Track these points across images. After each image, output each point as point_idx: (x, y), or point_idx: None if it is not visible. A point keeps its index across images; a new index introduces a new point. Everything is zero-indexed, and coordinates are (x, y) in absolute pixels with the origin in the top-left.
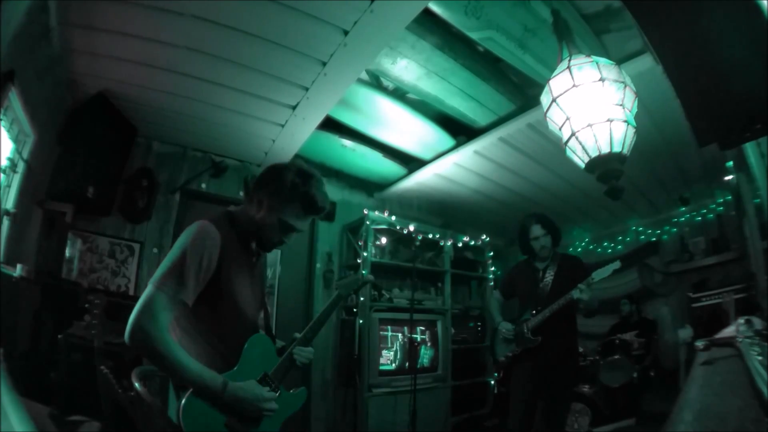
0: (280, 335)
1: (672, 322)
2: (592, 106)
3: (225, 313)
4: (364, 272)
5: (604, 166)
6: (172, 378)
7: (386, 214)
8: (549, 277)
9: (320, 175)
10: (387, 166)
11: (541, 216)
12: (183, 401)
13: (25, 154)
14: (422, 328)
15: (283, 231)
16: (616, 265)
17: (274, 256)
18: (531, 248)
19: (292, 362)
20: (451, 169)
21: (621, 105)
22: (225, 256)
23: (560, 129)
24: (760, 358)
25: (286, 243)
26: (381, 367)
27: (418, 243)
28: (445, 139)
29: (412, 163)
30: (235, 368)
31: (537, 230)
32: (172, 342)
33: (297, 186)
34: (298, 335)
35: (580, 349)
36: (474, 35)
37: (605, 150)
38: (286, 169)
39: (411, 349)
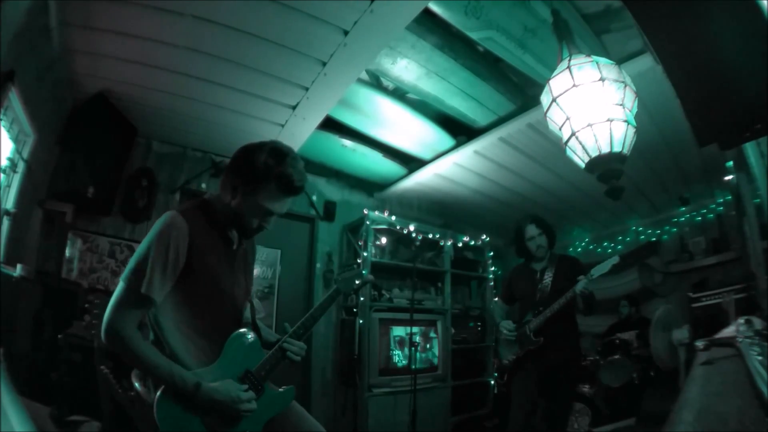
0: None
1: (655, 323)
2: (592, 106)
3: (202, 305)
4: (364, 272)
5: (604, 166)
6: (153, 379)
7: (386, 214)
8: (548, 278)
9: (295, 152)
10: (387, 166)
11: (536, 216)
12: (155, 398)
13: (25, 154)
14: (422, 327)
15: (261, 216)
16: (615, 260)
17: (274, 256)
18: (527, 249)
19: (281, 357)
20: (451, 169)
21: (621, 105)
22: (195, 246)
23: (560, 129)
24: (760, 358)
25: (266, 228)
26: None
27: (418, 243)
28: (445, 139)
29: (412, 163)
30: (215, 364)
31: (532, 230)
32: (142, 340)
33: (271, 167)
34: (289, 328)
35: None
36: (474, 35)
37: (605, 150)
38: (259, 149)
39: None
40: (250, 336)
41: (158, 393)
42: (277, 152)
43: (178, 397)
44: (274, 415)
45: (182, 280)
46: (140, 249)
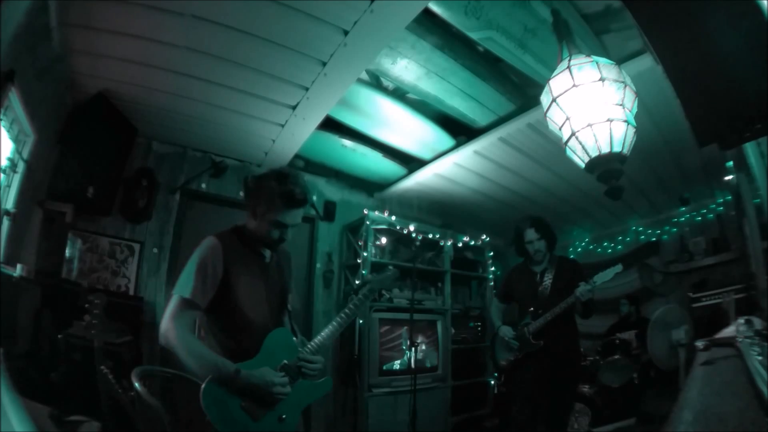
0: None
1: (654, 323)
2: (592, 106)
3: (237, 312)
4: (364, 272)
5: (604, 166)
6: (195, 371)
7: (386, 214)
8: (548, 280)
9: (296, 172)
10: (387, 166)
11: (536, 219)
12: (202, 387)
13: (25, 154)
14: (422, 328)
15: (277, 228)
16: (618, 268)
17: None
18: (526, 251)
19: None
20: (451, 169)
21: (621, 105)
22: (230, 262)
23: (560, 129)
24: (760, 358)
25: (286, 240)
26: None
27: (418, 243)
28: (445, 139)
29: (412, 163)
30: (255, 358)
31: (531, 234)
32: (192, 339)
33: (274, 188)
34: (306, 342)
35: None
36: (474, 35)
37: (605, 150)
38: (266, 176)
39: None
40: (288, 334)
41: (205, 382)
42: (281, 175)
43: (221, 383)
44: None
45: (220, 292)
46: (186, 268)
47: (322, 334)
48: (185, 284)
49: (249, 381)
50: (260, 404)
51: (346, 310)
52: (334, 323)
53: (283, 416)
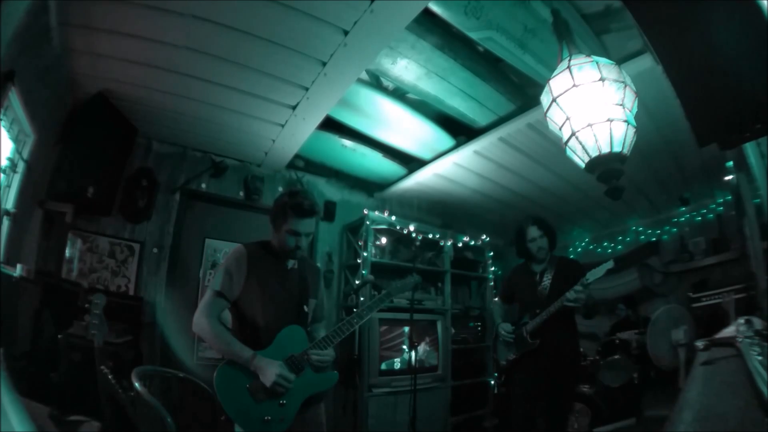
0: None
1: (653, 323)
2: (592, 106)
3: (255, 309)
4: (364, 272)
5: (605, 165)
6: (217, 350)
7: (386, 214)
8: (547, 280)
9: (305, 188)
10: (387, 166)
11: (538, 218)
12: (217, 368)
13: (25, 154)
14: (422, 328)
15: (292, 236)
16: (610, 264)
17: None
18: (528, 250)
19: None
20: (451, 169)
21: (621, 105)
22: (253, 266)
23: (560, 129)
24: (760, 358)
25: (301, 248)
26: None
27: (418, 243)
28: (445, 139)
29: (412, 163)
30: (266, 349)
31: (534, 232)
32: (219, 326)
33: (285, 203)
34: (319, 334)
35: (581, 350)
36: (474, 35)
37: (605, 150)
38: (281, 195)
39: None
40: (300, 331)
41: (220, 364)
42: (292, 192)
43: (235, 366)
44: (313, 394)
45: (245, 290)
46: (219, 268)
47: (332, 331)
48: (217, 281)
49: (259, 366)
50: (265, 389)
51: (360, 313)
52: (349, 322)
53: (283, 401)
